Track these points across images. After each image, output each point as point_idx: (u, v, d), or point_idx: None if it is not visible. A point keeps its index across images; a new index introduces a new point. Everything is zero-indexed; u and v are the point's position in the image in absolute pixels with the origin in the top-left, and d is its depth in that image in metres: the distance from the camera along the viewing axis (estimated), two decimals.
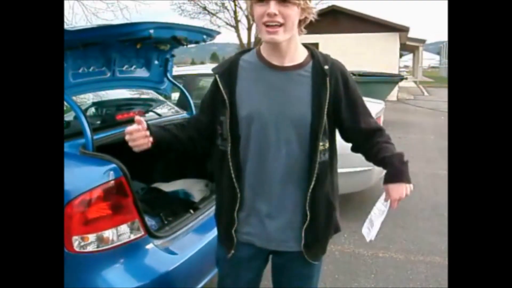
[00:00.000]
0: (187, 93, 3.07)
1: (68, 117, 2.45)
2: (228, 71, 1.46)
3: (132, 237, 1.89)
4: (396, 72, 14.58)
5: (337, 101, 1.42)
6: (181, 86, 3.16)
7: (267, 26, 1.31)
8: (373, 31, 15.66)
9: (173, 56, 2.91)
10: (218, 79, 1.45)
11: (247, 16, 20.80)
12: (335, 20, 15.55)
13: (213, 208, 2.45)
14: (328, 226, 1.51)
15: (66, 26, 1.89)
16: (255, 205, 1.47)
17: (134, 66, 2.66)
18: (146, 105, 3.14)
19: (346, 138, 1.53)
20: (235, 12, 20.82)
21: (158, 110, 3.02)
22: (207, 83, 4.81)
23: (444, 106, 12.36)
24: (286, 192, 1.44)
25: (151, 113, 2.92)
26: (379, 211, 1.48)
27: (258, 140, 1.42)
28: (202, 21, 21.20)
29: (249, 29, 20.49)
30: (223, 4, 20.86)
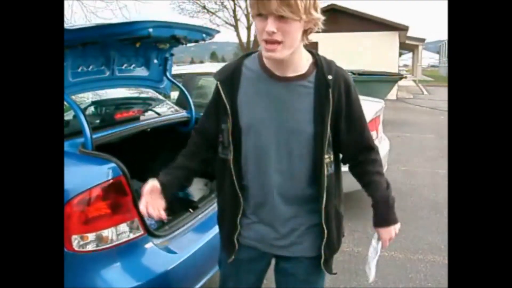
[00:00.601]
0: (186, 92, 3.06)
1: (68, 116, 2.45)
2: (230, 79, 1.42)
3: (132, 236, 1.89)
4: (395, 71, 14.56)
5: (339, 112, 1.38)
6: (180, 85, 3.16)
7: (266, 42, 1.24)
8: (372, 30, 15.65)
9: (172, 55, 2.90)
10: (220, 87, 1.42)
11: (246, 15, 20.82)
12: (334, 19, 15.50)
13: (213, 207, 2.47)
14: (339, 235, 1.51)
15: (65, 25, 1.88)
16: (258, 214, 1.46)
17: (133, 65, 2.65)
18: (146, 104, 3.13)
19: (338, 148, 1.47)
20: (234, 11, 20.85)
21: (158, 109, 3.02)
22: (206, 82, 4.80)
23: (444, 105, 12.37)
24: (290, 202, 1.42)
25: (150, 112, 2.91)
26: (374, 250, 1.58)
27: (259, 151, 1.39)
28: (201, 20, 21.23)
29: (248, 28, 20.51)
30: (222, 3, 20.89)
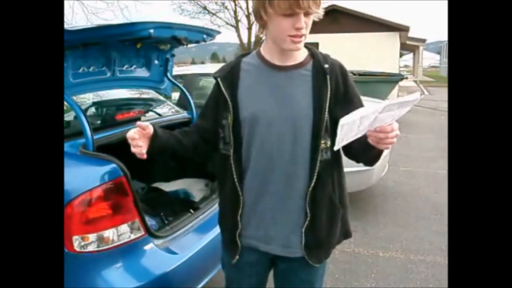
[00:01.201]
0: (187, 93, 3.07)
1: (68, 117, 2.45)
2: (230, 74, 1.46)
3: (132, 237, 1.89)
4: (396, 71, 14.58)
5: (337, 99, 1.41)
6: (181, 86, 3.16)
7: (293, 37, 1.32)
8: (373, 30, 15.66)
9: (173, 55, 2.91)
10: (220, 82, 1.45)
11: (247, 16, 20.82)
12: (335, 19, 15.54)
13: (214, 207, 2.48)
14: (331, 228, 1.48)
15: (66, 26, 1.88)
16: (257, 208, 1.46)
17: (134, 66, 2.66)
18: (146, 105, 3.14)
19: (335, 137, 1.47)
20: (235, 11, 20.85)
21: (158, 110, 3.02)
22: (207, 82, 4.81)
23: (444, 105, 12.37)
24: (290, 193, 1.43)
25: (151, 113, 2.92)
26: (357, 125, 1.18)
27: (262, 140, 1.41)
28: (202, 21, 21.26)
29: (249, 28, 20.51)
30: (223, 3, 20.90)
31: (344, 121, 1.15)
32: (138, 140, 1.41)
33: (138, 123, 1.42)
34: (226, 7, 21.14)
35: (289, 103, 1.40)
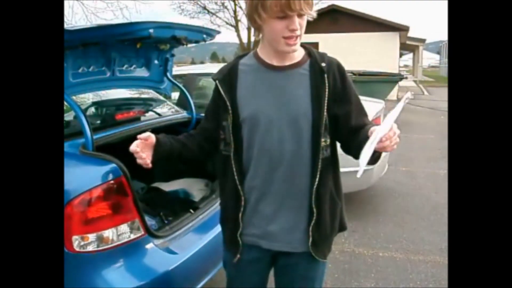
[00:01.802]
0: (187, 93, 3.07)
1: (68, 116, 2.45)
2: (228, 76, 1.48)
3: (132, 236, 1.89)
4: (396, 71, 14.57)
5: (335, 97, 1.42)
6: (181, 85, 3.16)
7: (287, 39, 1.33)
8: (373, 30, 15.66)
9: (173, 55, 2.90)
10: (218, 85, 1.47)
11: (249, 19, 20.78)
12: (335, 19, 15.56)
13: (213, 207, 2.47)
14: (333, 223, 1.51)
15: (66, 26, 1.89)
16: (259, 207, 1.47)
17: (134, 66, 2.66)
18: (146, 104, 3.14)
19: (336, 134, 1.47)
20: (235, 11, 20.85)
21: (158, 110, 3.02)
22: (207, 82, 4.81)
23: (444, 105, 12.37)
24: (291, 191, 1.44)
25: (151, 113, 2.92)
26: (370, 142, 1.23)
27: (262, 141, 1.42)
28: (202, 21, 21.26)
29: (249, 28, 20.50)
30: (223, 3, 20.89)
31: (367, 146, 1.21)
32: (141, 152, 1.43)
33: (139, 136, 1.45)
34: (226, 7, 21.15)
35: (288, 102, 1.41)
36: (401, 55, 22.88)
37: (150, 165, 1.46)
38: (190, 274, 2.11)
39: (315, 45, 13.34)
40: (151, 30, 2.04)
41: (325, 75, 1.41)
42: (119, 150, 2.15)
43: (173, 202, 2.76)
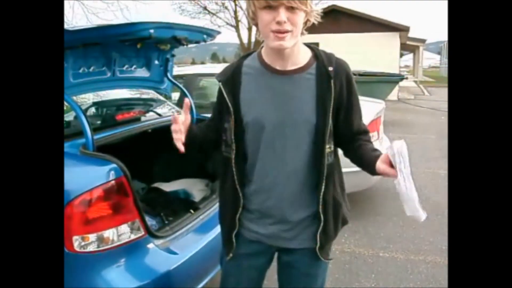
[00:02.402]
0: (187, 93, 3.07)
1: (69, 117, 2.45)
2: (232, 78, 1.46)
3: (133, 237, 1.89)
4: (396, 71, 14.57)
5: (340, 103, 1.41)
6: (181, 86, 3.16)
7: (275, 32, 1.28)
8: (373, 30, 15.66)
9: (173, 56, 2.90)
10: (222, 87, 1.45)
11: (247, 16, 20.82)
12: (335, 19, 15.54)
13: (214, 208, 2.47)
14: (336, 225, 1.52)
15: (66, 26, 1.89)
16: (259, 210, 1.48)
17: (134, 66, 2.66)
18: (147, 105, 3.14)
19: (336, 140, 1.48)
20: (235, 12, 20.84)
21: (158, 110, 3.02)
22: (207, 83, 4.81)
23: (445, 105, 12.36)
24: (294, 195, 1.44)
25: (151, 113, 2.92)
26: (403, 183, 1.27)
27: (265, 146, 1.41)
28: (202, 21, 21.25)
29: (249, 29, 20.49)
30: (223, 4, 20.88)
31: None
32: (179, 133, 1.46)
33: (178, 117, 1.47)
34: (226, 7, 21.14)
35: (292, 108, 1.39)
36: (401, 55, 22.88)
37: (183, 149, 1.46)
38: (191, 274, 2.11)
39: (315, 45, 13.31)
40: (151, 31, 2.04)
41: (332, 81, 1.37)
42: (119, 150, 2.15)
43: (173, 202, 2.76)
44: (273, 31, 1.28)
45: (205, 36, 2.57)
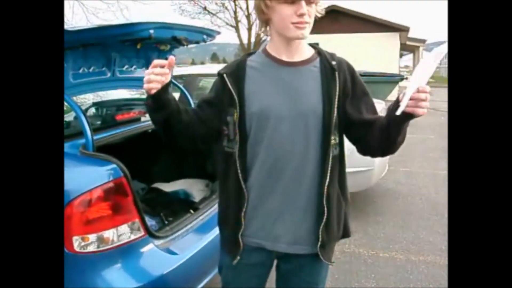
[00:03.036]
0: (187, 93, 3.07)
1: (69, 117, 2.45)
2: (236, 71, 1.45)
3: (133, 237, 1.89)
4: (396, 72, 14.58)
5: (345, 95, 1.42)
6: (181, 86, 3.17)
7: (296, 24, 1.34)
8: (373, 31, 15.68)
9: (173, 56, 2.90)
10: (226, 78, 1.43)
11: (247, 16, 20.84)
12: (335, 20, 15.56)
13: (214, 208, 2.47)
14: (339, 224, 1.49)
15: (66, 26, 1.89)
16: (264, 207, 1.44)
17: (134, 66, 2.66)
18: None
19: (350, 134, 1.47)
20: (235, 12, 20.89)
21: None
22: (207, 83, 4.81)
23: (444, 106, 12.36)
24: (299, 190, 1.42)
25: None
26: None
27: (270, 137, 1.40)
28: (202, 21, 21.30)
29: (249, 29, 20.53)
30: (223, 4, 20.92)
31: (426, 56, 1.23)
32: (161, 73, 1.32)
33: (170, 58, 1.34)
34: (226, 8, 21.17)
35: (298, 99, 1.39)
36: (401, 55, 22.89)
37: (158, 87, 1.33)
38: (190, 274, 2.11)
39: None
40: (151, 31, 2.04)
41: (336, 73, 1.41)
42: (119, 150, 2.15)
43: (173, 203, 2.76)
44: (293, 23, 1.34)
45: (204, 36, 2.57)
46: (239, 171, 1.43)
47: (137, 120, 2.68)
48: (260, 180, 1.43)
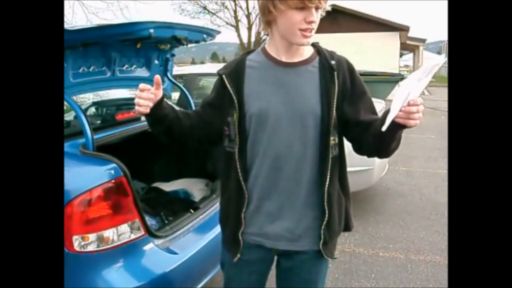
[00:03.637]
0: (187, 93, 3.07)
1: (69, 116, 2.45)
2: (235, 71, 1.45)
3: (133, 236, 1.89)
4: (396, 71, 14.56)
5: (344, 95, 1.42)
6: (181, 85, 3.17)
7: (303, 31, 1.33)
8: (373, 30, 15.67)
9: (173, 55, 2.91)
10: (225, 79, 1.44)
11: (247, 16, 20.86)
12: (335, 19, 15.53)
13: (214, 207, 2.47)
14: (340, 221, 1.50)
15: (66, 26, 1.88)
16: (264, 205, 1.45)
17: (134, 66, 2.66)
18: None
19: (345, 133, 1.47)
20: (235, 11, 20.90)
21: None
22: (207, 82, 4.81)
23: (445, 105, 12.36)
24: (298, 190, 1.43)
25: None
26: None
27: (269, 137, 1.40)
28: (202, 21, 21.31)
29: (249, 28, 20.54)
30: (223, 3, 20.93)
31: (402, 84, 1.21)
32: (146, 99, 1.41)
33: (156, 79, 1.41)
34: (226, 7, 21.19)
35: (297, 99, 1.39)
36: (401, 55, 22.88)
37: (147, 111, 1.43)
38: (190, 274, 2.11)
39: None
40: (151, 30, 2.04)
41: (335, 73, 1.40)
42: (119, 150, 2.15)
43: (173, 202, 2.76)
44: (301, 29, 1.33)
45: (205, 35, 2.57)
46: (239, 171, 1.43)
47: (137, 119, 2.68)
48: (260, 180, 1.44)
